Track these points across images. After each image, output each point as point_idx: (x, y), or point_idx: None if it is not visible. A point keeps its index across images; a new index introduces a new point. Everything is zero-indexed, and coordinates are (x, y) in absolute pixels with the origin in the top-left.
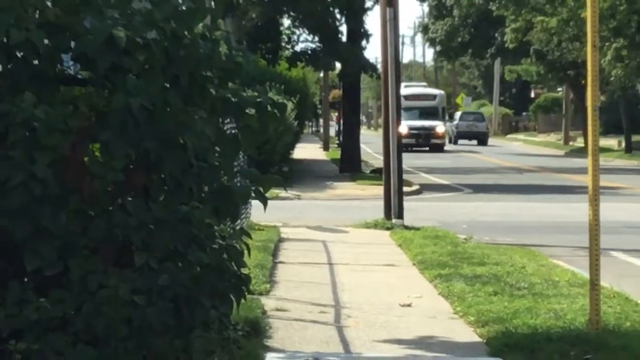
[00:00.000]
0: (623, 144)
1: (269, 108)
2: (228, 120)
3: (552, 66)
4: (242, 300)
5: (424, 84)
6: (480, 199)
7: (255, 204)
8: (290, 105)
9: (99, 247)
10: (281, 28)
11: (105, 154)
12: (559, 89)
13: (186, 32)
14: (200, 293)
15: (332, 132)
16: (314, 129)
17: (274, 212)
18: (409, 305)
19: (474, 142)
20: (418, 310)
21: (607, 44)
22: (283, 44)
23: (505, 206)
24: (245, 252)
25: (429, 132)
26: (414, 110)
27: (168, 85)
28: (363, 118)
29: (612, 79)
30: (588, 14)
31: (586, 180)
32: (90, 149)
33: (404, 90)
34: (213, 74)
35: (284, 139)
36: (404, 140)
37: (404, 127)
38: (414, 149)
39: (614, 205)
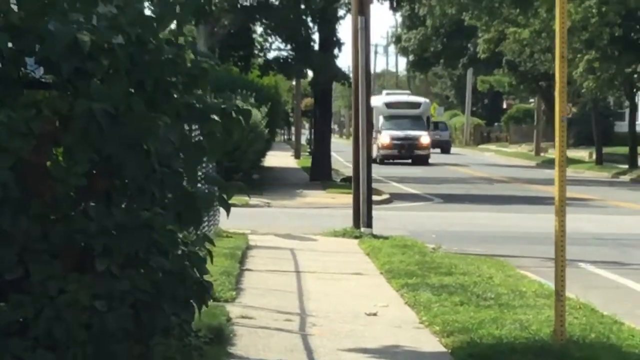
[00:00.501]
0: (594, 156)
1: (234, 114)
2: (195, 126)
3: (524, 77)
4: (204, 307)
5: (408, 91)
6: (450, 208)
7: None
8: (261, 113)
9: (60, 252)
10: (254, 36)
11: (68, 159)
12: (531, 100)
13: (151, 38)
14: (161, 299)
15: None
16: (286, 137)
17: (243, 220)
18: (374, 314)
19: (437, 150)
20: (384, 319)
21: (579, 55)
22: (255, 52)
23: (475, 216)
24: (208, 259)
25: (413, 143)
26: (396, 119)
27: (132, 90)
28: (335, 127)
29: (583, 90)
30: (557, 25)
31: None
32: (54, 153)
33: (386, 98)
34: (178, 79)
35: (255, 146)
36: (386, 152)
37: (385, 137)
38: (396, 161)
39: (583, 217)
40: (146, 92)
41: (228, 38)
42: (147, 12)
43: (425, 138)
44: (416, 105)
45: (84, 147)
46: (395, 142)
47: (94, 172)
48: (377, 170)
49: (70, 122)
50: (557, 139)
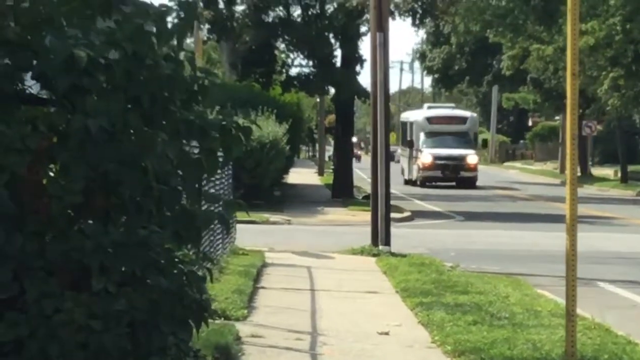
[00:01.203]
0: (619, 174)
1: (233, 131)
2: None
3: (549, 94)
4: (206, 327)
5: (452, 104)
6: (471, 226)
7: (240, 227)
8: (282, 130)
9: (56, 270)
10: (275, 52)
11: (64, 175)
12: (557, 117)
13: (149, 53)
14: (158, 318)
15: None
16: (310, 153)
17: (262, 237)
18: (386, 334)
19: None
20: (396, 338)
21: (603, 73)
22: (277, 68)
23: (495, 234)
24: (208, 277)
25: (458, 163)
26: (439, 136)
27: (129, 106)
28: (361, 144)
29: (608, 108)
30: (569, 44)
31: (580, 210)
32: (50, 170)
33: (428, 112)
34: (176, 95)
35: (275, 163)
36: (427, 173)
37: (426, 157)
38: (439, 183)
39: (606, 236)
40: (143, 108)
41: (250, 54)
42: (147, 27)
43: (472, 158)
44: (462, 120)
45: (80, 164)
46: (438, 162)
47: (91, 189)
48: (401, 188)
49: (66, 139)
50: (568, 156)
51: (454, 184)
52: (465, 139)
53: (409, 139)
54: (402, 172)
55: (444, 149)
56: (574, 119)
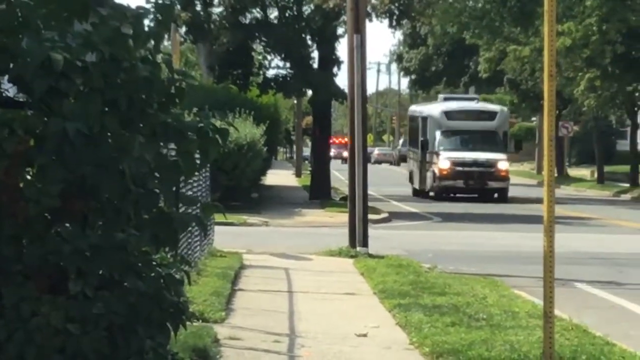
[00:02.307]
0: (596, 174)
1: (211, 133)
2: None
3: (526, 95)
4: (184, 329)
5: (476, 96)
6: (449, 227)
7: (218, 229)
8: (259, 132)
9: (33, 273)
10: (253, 54)
11: (41, 179)
12: (533, 118)
13: (126, 56)
14: (136, 322)
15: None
16: (288, 155)
17: (240, 239)
18: (364, 335)
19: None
20: (374, 340)
21: (580, 74)
22: (254, 70)
23: (473, 235)
24: (186, 280)
25: (486, 170)
26: (461, 135)
27: (106, 109)
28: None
29: (585, 109)
30: (545, 44)
31: (558, 210)
32: (27, 174)
33: (446, 105)
34: (153, 98)
35: (253, 165)
36: (445, 182)
37: (444, 162)
38: (459, 195)
39: (582, 236)
40: (120, 110)
41: (227, 56)
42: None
43: (503, 163)
44: (489, 115)
45: (57, 167)
46: (460, 168)
47: (68, 192)
48: (378, 189)
49: (43, 142)
50: (545, 158)
51: (477, 196)
52: (494, 140)
53: (421, 138)
54: (410, 180)
55: (466, 152)
56: (551, 120)
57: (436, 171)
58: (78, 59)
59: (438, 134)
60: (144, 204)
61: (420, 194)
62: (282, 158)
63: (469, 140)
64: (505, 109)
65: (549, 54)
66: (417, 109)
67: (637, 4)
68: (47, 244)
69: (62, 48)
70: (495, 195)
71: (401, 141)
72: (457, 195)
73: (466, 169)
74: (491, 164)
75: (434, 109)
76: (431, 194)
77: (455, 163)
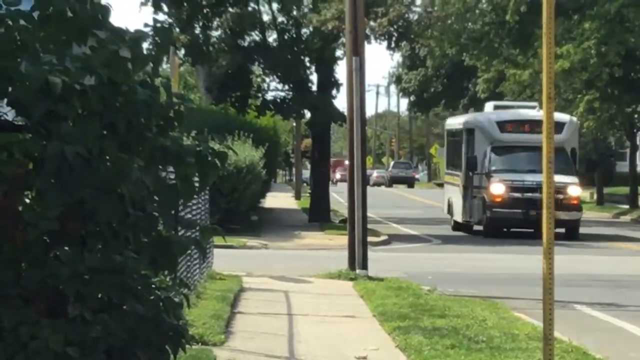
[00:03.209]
0: (595, 196)
1: (209, 157)
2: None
3: None
4: (183, 353)
5: (534, 104)
6: (448, 250)
7: (217, 252)
8: (258, 154)
9: (32, 297)
10: (251, 76)
11: (40, 202)
12: None
13: (125, 79)
14: (135, 345)
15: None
16: (287, 177)
17: (239, 262)
18: (364, 358)
19: (404, 185)
20: None
21: (579, 96)
22: (253, 92)
23: (472, 257)
24: (185, 303)
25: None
26: (519, 152)
27: (105, 133)
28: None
29: (584, 130)
30: (544, 66)
31: (557, 232)
32: (25, 197)
33: (499, 115)
34: (152, 121)
35: (252, 187)
36: (499, 213)
37: (497, 186)
38: (517, 229)
39: (582, 258)
40: (119, 134)
41: (226, 78)
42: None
43: (574, 189)
44: (555, 126)
45: (56, 191)
46: (518, 195)
47: (67, 215)
48: (377, 211)
49: (42, 165)
50: (544, 180)
51: (533, 230)
52: (561, 158)
53: (465, 156)
54: (449, 211)
55: (526, 174)
56: (550, 142)
57: (487, 198)
58: (76, 82)
59: (489, 150)
60: (143, 227)
61: (462, 228)
62: (282, 180)
63: (529, 158)
64: (574, 119)
65: (547, 76)
66: (458, 120)
67: (635, 27)
68: (46, 268)
69: (60, 71)
70: (564, 229)
71: (392, 163)
72: (514, 229)
73: (527, 195)
74: (559, 189)
75: (482, 119)
76: (478, 227)
77: (513, 188)
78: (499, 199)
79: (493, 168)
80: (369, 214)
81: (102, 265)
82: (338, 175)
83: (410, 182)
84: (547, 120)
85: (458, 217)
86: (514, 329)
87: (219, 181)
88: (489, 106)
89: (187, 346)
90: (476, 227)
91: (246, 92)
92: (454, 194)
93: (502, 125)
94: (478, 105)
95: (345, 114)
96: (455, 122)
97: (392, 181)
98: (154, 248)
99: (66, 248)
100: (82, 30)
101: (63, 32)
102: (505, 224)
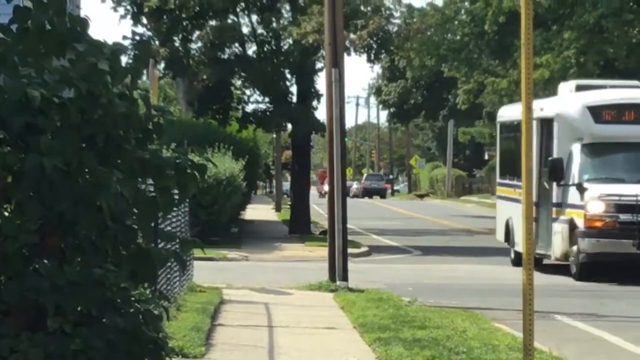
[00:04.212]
0: None
1: (189, 169)
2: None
3: None
4: None
5: (635, 82)
6: (429, 261)
7: (198, 264)
8: (239, 166)
9: (12, 310)
10: (232, 89)
11: (19, 215)
12: None
13: (103, 91)
14: (115, 358)
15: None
16: (267, 189)
17: (219, 274)
18: None
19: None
20: None
21: None
22: (233, 105)
23: (453, 268)
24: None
25: None
26: (622, 151)
27: (84, 145)
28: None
29: None
30: (522, 77)
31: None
32: (4, 210)
33: (590, 98)
34: (131, 134)
35: (232, 199)
36: (600, 245)
37: (595, 204)
38: (621, 267)
39: (562, 268)
40: (98, 146)
41: (206, 91)
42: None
43: None
44: None
45: (35, 204)
46: (628, 217)
47: (46, 228)
48: (357, 222)
49: (21, 178)
50: (524, 192)
51: None
52: None
53: (544, 157)
54: (507, 238)
55: (631, 186)
56: (528, 152)
57: (578, 223)
58: (55, 95)
59: (577, 150)
60: (122, 239)
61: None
62: (262, 192)
63: (634, 158)
64: None
65: (526, 86)
66: (520, 109)
67: (614, 37)
68: (25, 281)
69: (39, 84)
70: None
71: (365, 175)
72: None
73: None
74: None
75: (564, 105)
76: (574, 266)
77: (620, 206)
78: (598, 224)
79: (586, 177)
80: (349, 226)
81: (81, 278)
82: (327, 187)
83: (382, 194)
84: (526, 132)
85: (521, 246)
86: (494, 340)
87: (199, 193)
88: (566, 87)
89: (167, 358)
90: (549, 261)
91: (227, 105)
92: (514, 213)
93: (598, 112)
94: (458, 116)
95: (325, 124)
96: (514, 112)
97: (366, 193)
98: (133, 261)
99: (45, 261)
100: (61, 43)
101: (42, 45)
102: (609, 260)
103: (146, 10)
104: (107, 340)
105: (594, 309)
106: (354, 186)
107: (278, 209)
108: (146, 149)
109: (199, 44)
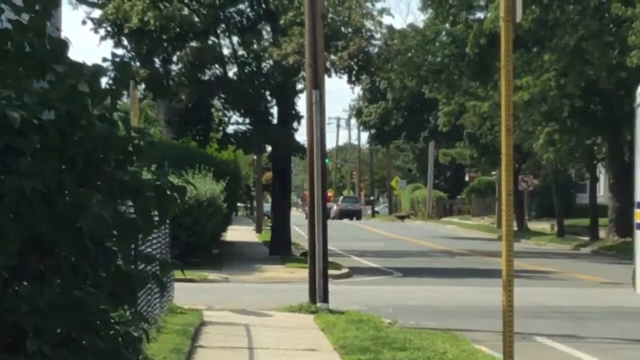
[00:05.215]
0: (556, 228)
1: (168, 191)
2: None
3: (485, 150)
4: None
5: None
6: (409, 282)
7: (178, 286)
8: (219, 188)
9: None
10: (212, 110)
11: None
12: (493, 172)
13: (83, 113)
14: None
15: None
16: (248, 211)
17: (200, 295)
18: None
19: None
20: None
21: (539, 128)
22: (214, 126)
23: (433, 290)
24: (144, 338)
25: None
26: None
27: (64, 167)
28: (299, 200)
29: (544, 162)
30: (502, 99)
31: (518, 264)
32: None
33: None
34: (110, 156)
35: (213, 221)
36: None
37: None
38: None
39: (543, 290)
40: (78, 168)
41: (186, 112)
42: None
43: None
44: None
45: (14, 225)
46: None
47: (26, 250)
48: (338, 244)
49: (0, 200)
50: (504, 213)
51: None
52: None
53: None
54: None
55: None
56: (508, 175)
57: None
58: (35, 117)
59: None
60: (102, 261)
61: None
62: (243, 214)
63: None
64: None
65: (506, 109)
66: None
67: (594, 59)
68: (5, 303)
69: (18, 106)
70: None
71: (341, 197)
72: None
73: None
74: None
75: None
76: None
77: None
78: None
79: None
80: (330, 247)
81: (61, 300)
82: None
83: (357, 215)
84: (506, 154)
85: None
86: None
87: (180, 214)
88: None
89: None
90: None
91: (207, 126)
92: None
93: None
94: (439, 138)
95: (306, 146)
96: None
97: (342, 214)
98: (112, 282)
99: (25, 283)
100: (41, 65)
101: (21, 67)
102: None
103: (127, 31)
104: None
105: (573, 331)
106: (334, 208)
107: (259, 230)
108: (126, 171)
109: (180, 65)
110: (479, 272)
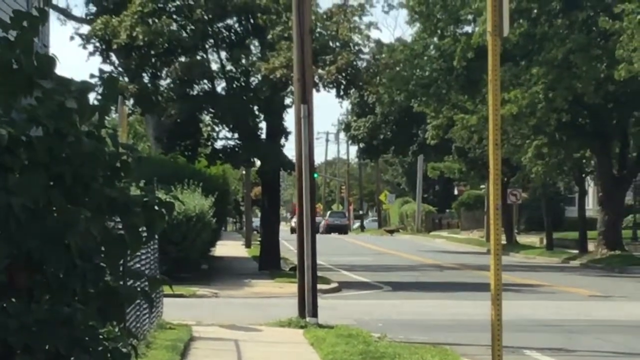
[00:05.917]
0: (545, 241)
1: (156, 207)
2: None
3: (474, 163)
4: None
5: None
6: (398, 296)
7: (167, 301)
8: (208, 203)
9: None
10: (201, 125)
11: None
12: (482, 186)
13: (71, 130)
14: None
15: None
16: (237, 226)
17: (189, 310)
18: None
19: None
20: None
21: (527, 141)
22: (202, 141)
23: (422, 304)
24: (133, 354)
25: None
26: None
27: (52, 184)
28: (288, 215)
29: (532, 176)
30: (490, 113)
31: (507, 278)
32: None
33: None
34: (98, 172)
35: (202, 236)
36: None
37: None
38: None
39: (532, 304)
40: (66, 185)
41: (175, 127)
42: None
43: None
44: None
45: (2, 242)
46: None
47: (14, 267)
48: (327, 258)
49: None
50: (492, 227)
51: None
52: None
53: None
54: None
55: None
56: (496, 189)
57: None
58: (22, 133)
59: None
60: (90, 278)
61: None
62: (232, 229)
63: None
64: None
65: (493, 123)
66: None
67: (582, 72)
68: None
69: (6, 123)
70: None
71: (329, 212)
72: None
73: None
74: None
75: None
76: None
77: None
78: None
79: None
80: (319, 262)
81: (49, 316)
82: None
83: (344, 230)
84: (494, 168)
85: None
86: None
87: (169, 230)
88: None
89: None
90: None
91: (196, 141)
92: None
93: None
94: (427, 151)
95: (294, 161)
96: None
97: (329, 229)
98: (101, 299)
99: (13, 300)
100: (28, 81)
101: (9, 84)
102: None
103: (115, 47)
104: None
105: (562, 344)
106: (322, 222)
107: (248, 245)
108: (114, 187)
109: (168, 80)
110: (468, 286)
